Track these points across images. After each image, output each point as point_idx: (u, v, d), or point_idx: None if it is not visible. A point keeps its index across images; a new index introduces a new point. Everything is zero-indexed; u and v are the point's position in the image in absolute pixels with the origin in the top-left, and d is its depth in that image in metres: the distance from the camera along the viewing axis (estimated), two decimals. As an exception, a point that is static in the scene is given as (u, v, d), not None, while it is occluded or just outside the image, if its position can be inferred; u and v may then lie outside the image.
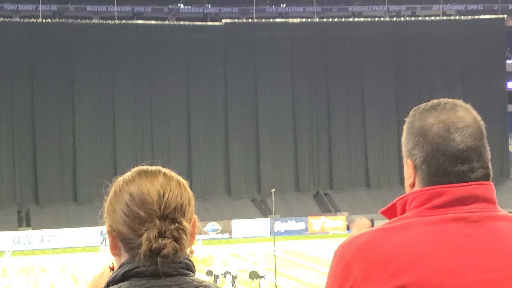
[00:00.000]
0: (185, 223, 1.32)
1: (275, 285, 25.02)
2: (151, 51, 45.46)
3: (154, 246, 1.25)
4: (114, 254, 1.36)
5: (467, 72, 49.08)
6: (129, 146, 45.56)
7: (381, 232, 1.37)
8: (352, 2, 52.77)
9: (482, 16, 53.22)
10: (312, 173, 50.09)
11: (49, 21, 46.51)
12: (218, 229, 44.16)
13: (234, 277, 27.14)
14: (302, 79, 48.13)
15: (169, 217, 1.29)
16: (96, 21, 47.92)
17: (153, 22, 48.10)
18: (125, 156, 44.00)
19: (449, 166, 1.36)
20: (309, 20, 51.38)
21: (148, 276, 1.27)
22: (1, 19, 45.49)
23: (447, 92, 42.53)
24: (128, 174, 1.36)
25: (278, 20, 51.75)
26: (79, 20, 47.27)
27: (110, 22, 47.04)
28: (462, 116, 1.38)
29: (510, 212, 1.55)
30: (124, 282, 1.28)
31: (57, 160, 45.27)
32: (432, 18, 53.12)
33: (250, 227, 45.35)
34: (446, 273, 1.29)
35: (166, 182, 1.33)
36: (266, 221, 44.15)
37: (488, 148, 1.40)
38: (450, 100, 1.44)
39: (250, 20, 49.87)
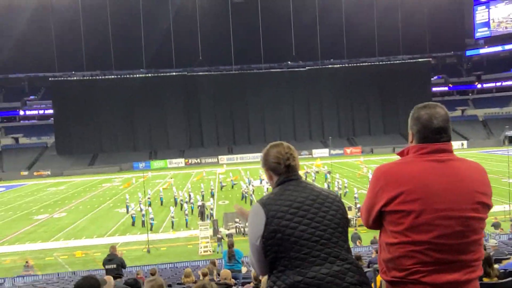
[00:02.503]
0: (297, 161, 2.46)
1: (331, 176, 40.81)
2: (275, 85, 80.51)
3: (286, 163, 2.39)
4: (270, 179, 2.46)
5: (412, 88, 77.99)
6: (273, 133, 78.26)
7: (397, 164, 2.18)
8: (367, 55, 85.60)
9: (420, 60, 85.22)
10: (345, 130, 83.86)
11: (236, 73, 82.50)
12: (306, 153, 73.09)
13: (317, 172, 46.88)
14: (337, 90, 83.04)
15: (289, 160, 2.42)
16: (253, 71, 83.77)
17: (277, 70, 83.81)
18: (271, 136, 74.10)
19: (430, 134, 2.16)
20: (340, 66, 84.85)
21: (287, 182, 2.41)
22: (213, 72, 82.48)
23: (403, 96, 77.42)
24: (268, 145, 2.52)
25: (329, 66, 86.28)
26: (247, 70, 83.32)
27: (259, 71, 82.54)
28: (439, 110, 2.18)
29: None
30: (280, 185, 2.41)
31: (247, 130, 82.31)
32: (397, 61, 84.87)
33: (320, 152, 74.33)
34: (424, 185, 2.08)
35: (283, 146, 2.47)
36: (326, 150, 75.07)
37: (451, 127, 2.19)
38: (433, 103, 2.24)
39: (316, 67, 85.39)
